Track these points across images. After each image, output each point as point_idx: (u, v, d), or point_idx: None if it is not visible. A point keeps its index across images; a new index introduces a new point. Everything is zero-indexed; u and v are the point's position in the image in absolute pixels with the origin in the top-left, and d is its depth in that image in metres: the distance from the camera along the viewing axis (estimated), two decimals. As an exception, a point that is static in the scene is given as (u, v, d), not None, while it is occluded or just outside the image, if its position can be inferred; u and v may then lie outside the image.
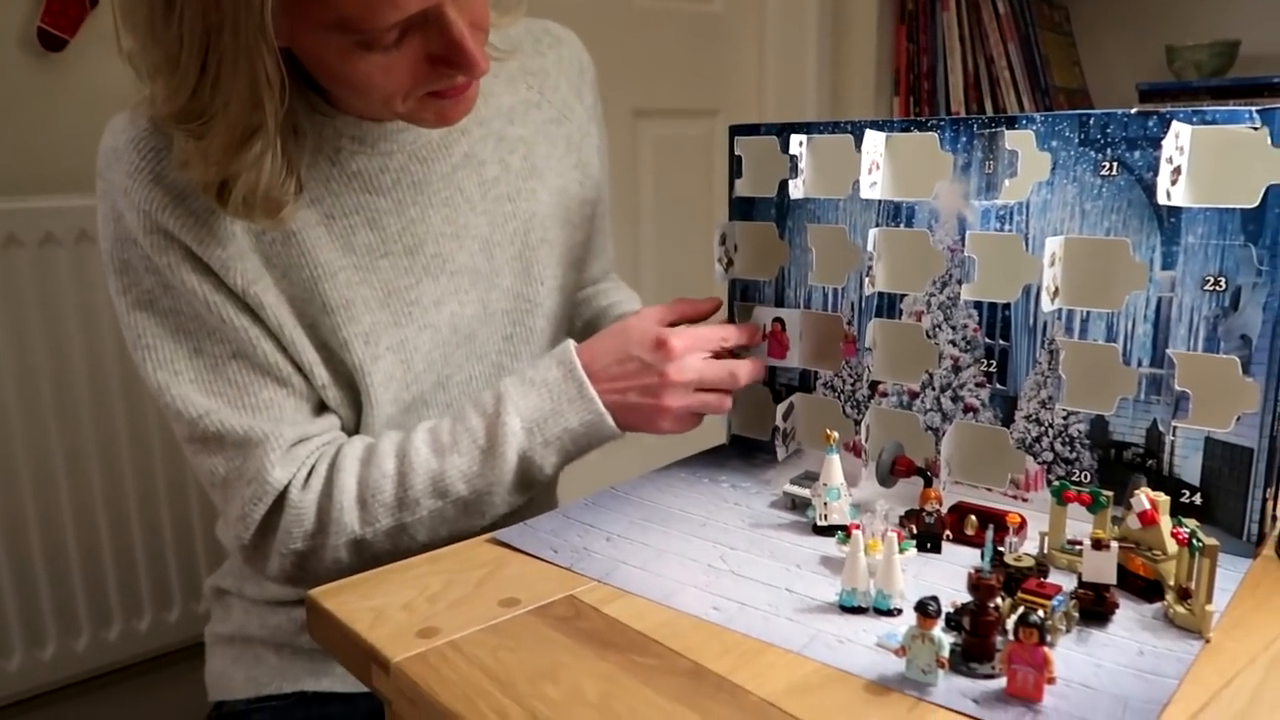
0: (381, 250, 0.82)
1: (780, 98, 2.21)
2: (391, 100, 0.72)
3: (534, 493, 0.80)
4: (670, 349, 0.79)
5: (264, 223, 0.73)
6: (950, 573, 0.64)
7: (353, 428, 0.84)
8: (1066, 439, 0.71)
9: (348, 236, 0.80)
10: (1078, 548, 0.63)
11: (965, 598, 0.58)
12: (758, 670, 0.54)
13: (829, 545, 0.69)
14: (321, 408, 0.83)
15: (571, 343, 0.82)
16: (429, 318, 0.85)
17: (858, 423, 0.82)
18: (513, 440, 0.78)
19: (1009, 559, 0.61)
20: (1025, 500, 0.74)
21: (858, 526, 0.65)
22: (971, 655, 0.53)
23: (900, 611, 0.59)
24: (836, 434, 0.71)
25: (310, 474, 0.78)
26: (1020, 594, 0.55)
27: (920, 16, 2.10)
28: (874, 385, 0.80)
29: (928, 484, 0.72)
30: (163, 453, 1.35)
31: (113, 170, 0.75)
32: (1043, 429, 0.72)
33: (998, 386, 0.74)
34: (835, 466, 0.71)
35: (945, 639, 0.51)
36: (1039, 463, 0.73)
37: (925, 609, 0.51)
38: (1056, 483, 0.64)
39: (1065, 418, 0.71)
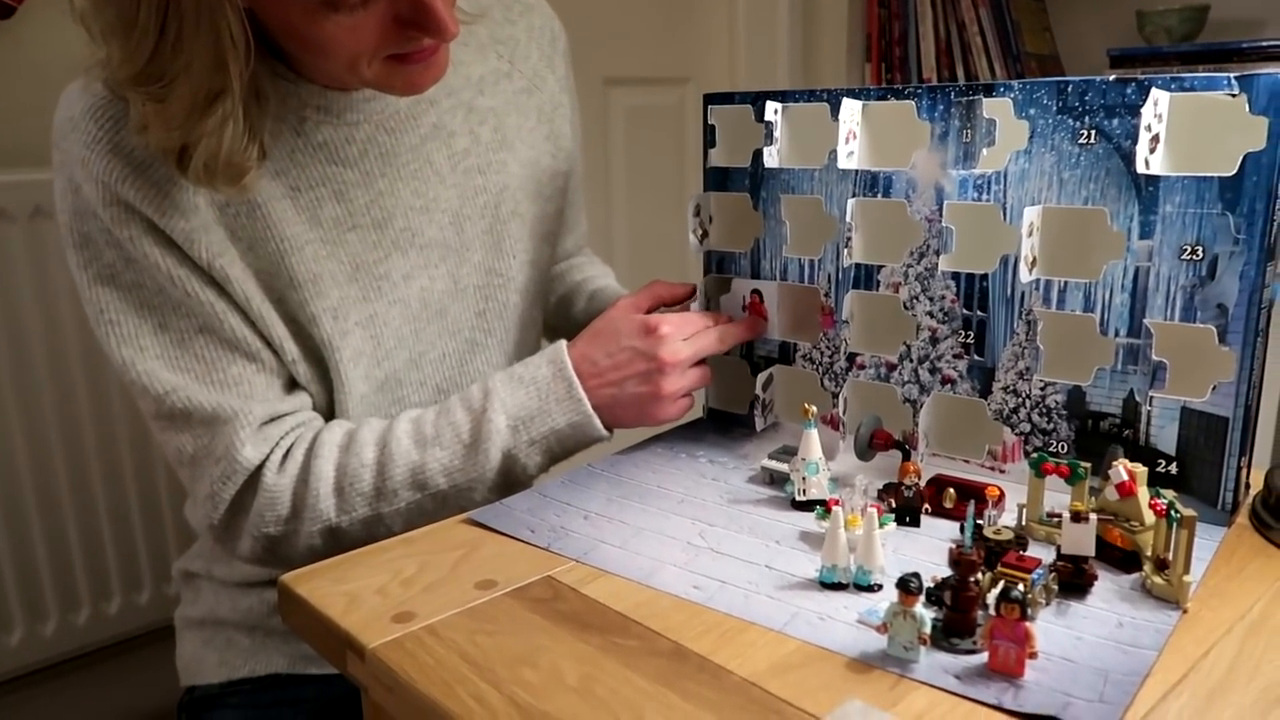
0: (349, 223, 0.80)
1: (751, 65, 2.18)
2: (357, 63, 0.70)
3: (515, 490, 0.78)
4: (660, 334, 0.79)
5: (226, 191, 0.70)
6: (930, 547, 0.64)
7: (324, 406, 0.82)
8: (1044, 410, 0.71)
9: (314, 209, 0.78)
10: (1056, 520, 0.63)
11: (945, 572, 0.58)
12: (739, 650, 0.53)
13: (808, 520, 0.69)
14: (292, 385, 0.81)
15: (563, 342, 0.81)
16: (398, 292, 0.83)
17: (836, 395, 0.81)
18: (497, 438, 0.77)
19: (988, 532, 0.61)
20: (1003, 472, 0.74)
21: (837, 502, 0.65)
22: (953, 631, 0.52)
23: (880, 587, 0.59)
24: (815, 408, 0.70)
25: (285, 457, 0.77)
26: (1000, 568, 0.55)
27: (892, -19, 2.08)
28: (852, 357, 0.80)
29: (906, 457, 0.71)
30: (128, 432, 1.32)
31: (69, 141, 0.72)
32: (1020, 400, 0.72)
33: (975, 358, 0.73)
34: (814, 441, 0.70)
35: (927, 615, 0.51)
36: (1016, 434, 0.72)
37: (907, 585, 0.51)
38: (1035, 454, 0.64)
39: (1043, 388, 0.70)
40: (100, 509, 1.32)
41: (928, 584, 0.56)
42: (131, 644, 1.39)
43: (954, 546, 0.53)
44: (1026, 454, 0.72)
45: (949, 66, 2.01)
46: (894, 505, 0.67)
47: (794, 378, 0.85)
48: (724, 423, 0.89)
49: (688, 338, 0.80)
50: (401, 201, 0.82)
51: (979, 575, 0.53)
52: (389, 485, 0.76)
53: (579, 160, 1.01)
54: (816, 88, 0.78)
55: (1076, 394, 0.69)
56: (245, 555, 0.79)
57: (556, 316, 1.08)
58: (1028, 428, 0.72)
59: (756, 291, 0.84)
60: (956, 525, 0.67)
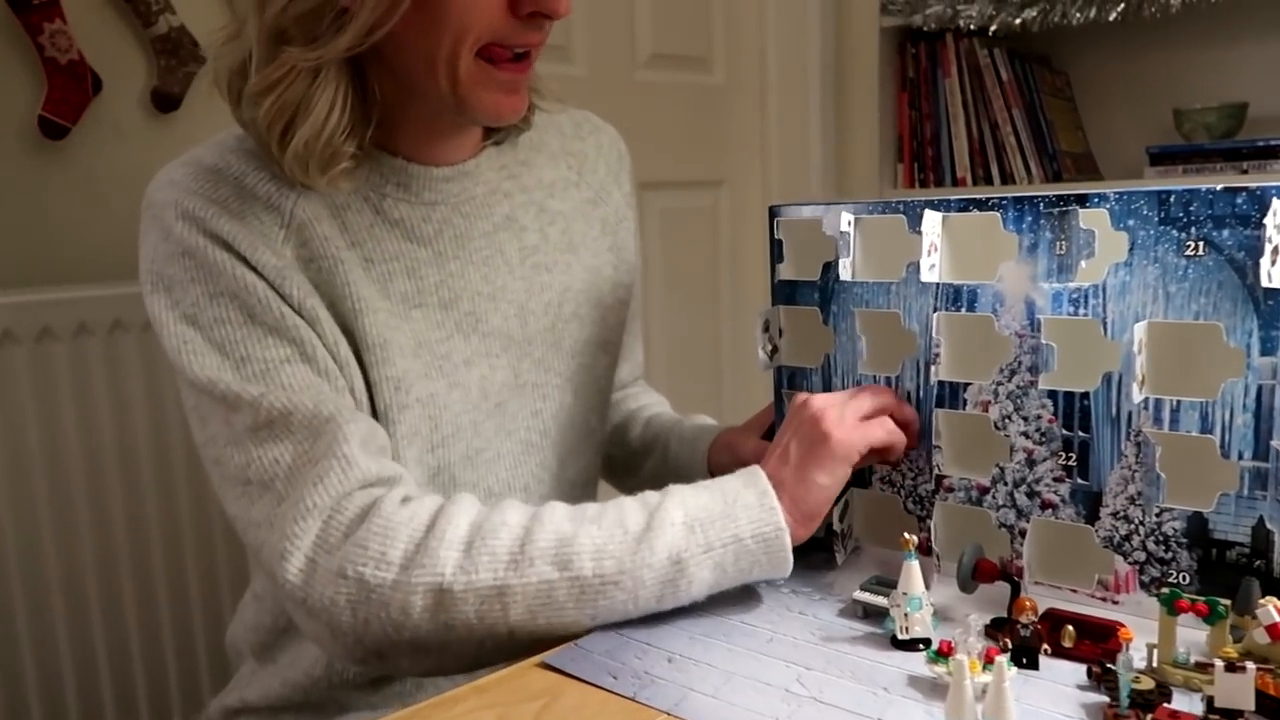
0: (417, 300, 0.80)
1: (784, 167, 2.20)
2: (461, 44, 0.71)
3: (655, 610, 0.69)
4: (809, 401, 0.74)
5: (315, 180, 0.73)
6: (1055, 694, 0.59)
7: None
8: (1160, 538, 0.66)
9: (385, 282, 0.78)
10: (1195, 665, 0.58)
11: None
12: (867, 826, 0.48)
13: (915, 663, 0.63)
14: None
15: (759, 469, 0.73)
16: (459, 376, 0.81)
17: (920, 519, 0.77)
18: (669, 532, 0.67)
19: (1126, 679, 0.56)
20: (1116, 603, 0.68)
21: (950, 645, 0.60)
22: (1110, 804, 0.47)
23: (1011, 746, 0.53)
24: (915, 538, 0.66)
25: (409, 499, 0.70)
26: (1153, 728, 0.49)
27: (922, 83, 2.10)
28: (939, 480, 0.75)
29: (1016, 590, 0.66)
30: (162, 549, 1.28)
31: (164, 193, 0.75)
32: (1133, 527, 0.67)
33: (1079, 481, 0.69)
34: (915, 573, 0.65)
35: (1083, 788, 0.46)
36: (1130, 563, 0.67)
37: (1057, 754, 0.45)
38: (1165, 590, 0.59)
39: (1159, 514, 0.66)
40: (132, 635, 1.27)
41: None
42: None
43: (1108, 709, 0.48)
44: (1143, 584, 0.67)
45: (983, 165, 2.01)
46: (1008, 645, 0.62)
47: (872, 503, 0.81)
48: (798, 548, 0.84)
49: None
50: (470, 285, 0.82)
51: (1136, 739, 0.47)
52: (528, 552, 0.66)
53: (639, 284, 1.00)
54: (891, 199, 0.76)
55: (1197, 521, 0.64)
56: (325, 605, 0.67)
57: (612, 444, 1.05)
58: (1143, 557, 0.67)
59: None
60: (1079, 668, 0.61)
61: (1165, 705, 0.52)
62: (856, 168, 2.15)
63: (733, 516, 0.69)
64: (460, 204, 0.83)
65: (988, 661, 0.58)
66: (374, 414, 0.77)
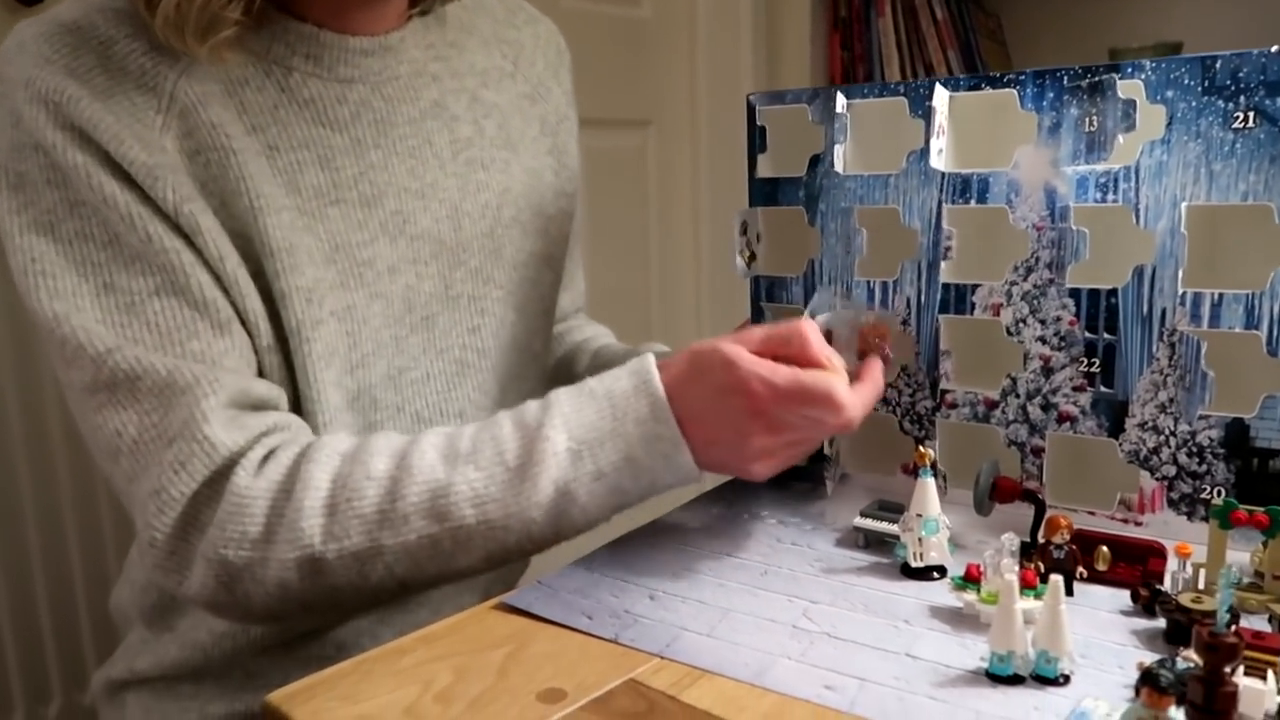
0: (333, 195, 0.67)
1: (713, 108, 2.10)
2: None
3: (554, 544, 0.62)
4: (750, 390, 0.57)
5: (195, 48, 0.60)
6: (1098, 621, 0.51)
7: None
8: (1194, 449, 0.59)
9: (294, 173, 0.66)
10: (1249, 584, 0.51)
11: (1139, 654, 0.45)
12: (926, 778, 0.39)
13: (931, 592, 0.55)
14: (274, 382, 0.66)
15: (651, 357, 0.62)
16: (381, 285, 0.70)
17: (918, 441, 0.69)
18: (551, 463, 0.58)
19: (1184, 600, 0.49)
20: (1139, 524, 0.62)
21: (979, 569, 0.52)
22: (1207, 740, 0.39)
23: (1069, 679, 0.46)
24: (931, 452, 0.58)
25: (268, 458, 0.60)
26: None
27: (854, 23, 2.03)
28: (940, 395, 0.67)
29: (1041, 510, 0.59)
30: (34, 503, 1.12)
31: (13, 65, 0.61)
32: (1162, 438, 0.60)
33: (1102, 389, 0.62)
34: (931, 493, 0.57)
35: (1184, 721, 0.38)
36: (1157, 478, 0.61)
37: (1157, 681, 0.38)
38: (1221, 501, 0.52)
39: (1193, 424, 0.59)
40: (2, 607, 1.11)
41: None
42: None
43: (1200, 627, 0.40)
44: (1171, 502, 0.60)
45: (919, 107, 1.96)
46: (1043, 569, 0.54)
47: (866, 423, 0.72)
48: (777, 478, 0.75)
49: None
50: (395, 180, 0.70)
51: (1239, 664, 0.40)
52: (399, 509, 0.58)
53: (581, 201, 0.89)
54: (890, 82, 0.67)
55: (1237, 428, 0.58)
56: (194, 592, 0.61)
57: (557, 379, 0.94)
58: (1172, 471, 0.60)
59: (828, 328, 0.71)
60: (1116, 594, 0.54)
61: (1237, 625, 0.45)
62: (789, 109, 2.08)
63: (622, 434, 0.59)
64: (381, 84, 0.70)
65: (1026, 585, 0.50)
66: (287, 331, 0.65)
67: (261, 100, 0.66)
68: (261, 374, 0.64)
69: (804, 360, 0.57)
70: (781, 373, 0.56)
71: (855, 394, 0.58)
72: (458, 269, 0.74)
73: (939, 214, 0.65)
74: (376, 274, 0.69)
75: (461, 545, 0.59)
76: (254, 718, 0.71)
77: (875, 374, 0.62)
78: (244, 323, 0.63)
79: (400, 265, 0.70)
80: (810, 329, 0.58)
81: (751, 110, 0.73)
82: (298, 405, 0.66)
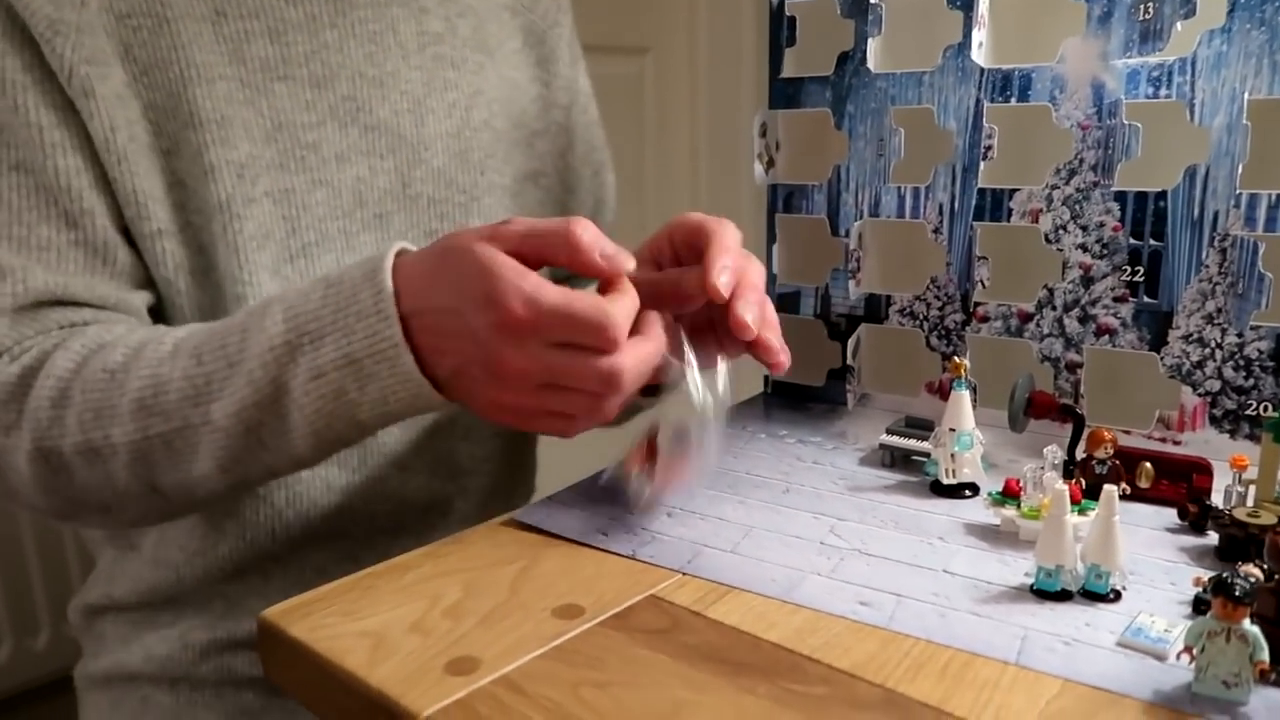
0: (281, 70, 0.62)
1: (713, 36, 2.03)
2: None
3: (298, 468, 0.56)
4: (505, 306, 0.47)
5: None
6: (1144, 539, 0.49)
7: (206, 307, 0.62)
8: (1241, 362, 0.56)
9: (239, 42, 0.61)
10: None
11: (1190, 570, 0.42)
12: (977, 693, 0.36)
13: (964, 509, 0.52)
14: (128, 281, 0.61)
15: (403, 245, 0.52)
16: (326, 172, 0.64)
17: (945, 358, 0.65)
18: (269, 356, 0.50)
19: (1239, 514, 0.46)
20: (1177, 444, 0.59)
21: (1018, 484, 0.49)
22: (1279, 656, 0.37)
23: (1120, 594, 0.43)
24: (967, 363, 0.54)
25: (32, 346, 0.56)
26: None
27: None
28: (971, 308, 0.64)
29: (1080, 424, 0.56)
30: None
31: None
32: (1207, 351, 0.57)
33: (1145, 299, 0.58)
34: (965, 406, 0.54)
35: (1260, 636, 0.35)
36: (1200, 394, 0.58)
37: (1230, 590, 0.35)
38: (1275, 414, 0.49)
39: (1240, 335, 0.56)
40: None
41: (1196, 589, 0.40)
42: (29, 697, 1.15)
43: (1274, 534, 0.38)
44: (1214, 419, 0.57)
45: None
46: (1085, 485, 0.51)
47: (886, 339, 0.69)
48: (794, 397, 0.72)
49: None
50: (350, 63, 0.65)
51: (1313, 574, 0.37)
52: (119, 404, 0.53)
53: (598, 124, 0.83)
54: None
55: (1291, 339, 0.55)
56: None
57: None
58: (1216, 386, 0.57)
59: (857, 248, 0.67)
60: (1162, 511, 0.51)
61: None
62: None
63: (343, 328, 0.49)
64: None
65: (1071, 501, 0.47)
66: (210, 206, 0.60)
67: None
68: (134, 273, 0.60)
69: (573, 267, 0.48)
70: (549, 291, 0.45)
71: (630, 347, 0.47)
72: (418, 167, 0.68)
73: (977, 113, 0.61)
74: (321, 159, 0.64)
75: (191, 446, 0.53)
76: (238, 645, 0.68)
77: (655, 329, 0.49)
78: (112, 215, 0.58)
79: (350, 155, 0.65)
80: (583, 229, 0.47)
81: (778, 2, 0.68)
82: (214, 292, 0.61)
